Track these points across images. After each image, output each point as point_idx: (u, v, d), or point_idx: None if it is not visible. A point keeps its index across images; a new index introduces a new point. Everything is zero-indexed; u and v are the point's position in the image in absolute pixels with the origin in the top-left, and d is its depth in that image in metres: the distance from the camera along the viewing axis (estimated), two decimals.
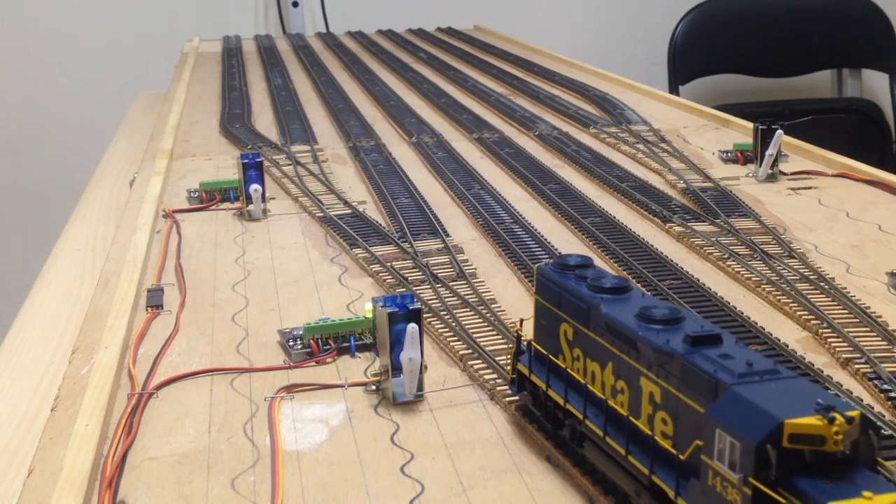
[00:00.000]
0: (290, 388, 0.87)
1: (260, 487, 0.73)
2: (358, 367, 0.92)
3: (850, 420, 0.53)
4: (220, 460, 0.77)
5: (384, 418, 0.83)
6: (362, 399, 0.86)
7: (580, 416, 0.71)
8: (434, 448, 0.78)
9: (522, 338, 0.80)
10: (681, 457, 0.59)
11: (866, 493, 0.51)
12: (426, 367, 0.85)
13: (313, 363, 0.93)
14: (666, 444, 0.61)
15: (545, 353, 0.76)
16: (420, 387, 0.84)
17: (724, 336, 0.62)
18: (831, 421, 0.52)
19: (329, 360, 0.93)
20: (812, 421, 0.52)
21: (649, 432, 0.63)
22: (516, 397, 0.82)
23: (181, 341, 0.98)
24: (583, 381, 0.71)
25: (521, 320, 0.82)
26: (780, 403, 0.53)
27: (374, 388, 0.87)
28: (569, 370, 0.73)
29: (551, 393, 0.75)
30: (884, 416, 0.79)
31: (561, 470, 0.74)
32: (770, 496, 0.52)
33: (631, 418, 0.65)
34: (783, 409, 0.53)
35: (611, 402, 0.68)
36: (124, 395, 0.87)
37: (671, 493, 0.61)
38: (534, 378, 0.78)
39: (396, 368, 0.83)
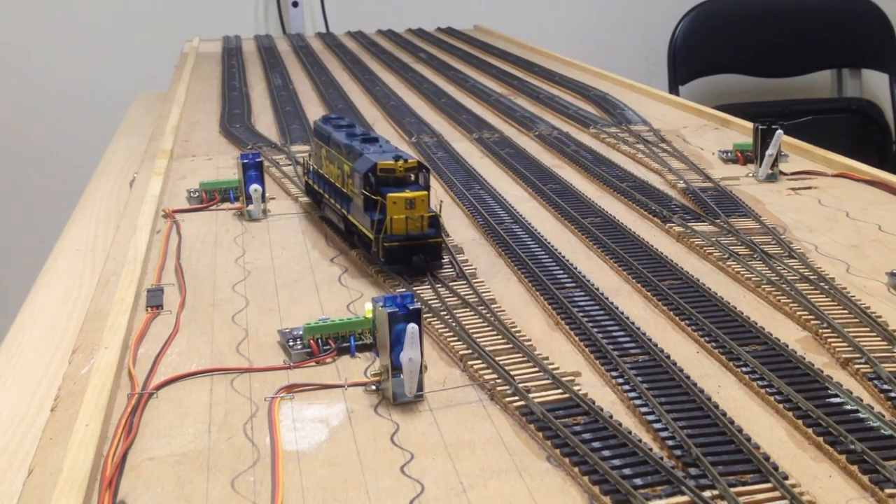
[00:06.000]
0: (290, 389, 0.87)
1: (260, 487, 0.73)
2: (358, 367, 0.92)
3: (407, 161, 1.09)
4: (220, 460, 0.77)
5: (384, 418, 0.83)
6: (362, 399, 0.86)
7: (323, 194, 1.28)
8: (434, 448, 0.78)
9: (307, 164, 1.38)
10: (348, 193, 1.18)
11: (407, 190, 1.08)
12: (426, 367, 0.85)
13: (313, 363, 0.93)
14: (351, 194, 1.16)
15: (314, 167, 1.34)
16: (420, 387, 0.84)
17: (381, 139, 1.19)
18: (396, 161, 1.09)
19: (329, 360, 0.93)
20: (389, 162, 1.09)
21: (340, 186, 1.20)
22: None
23: (181, 341, 0.98)
24: (325, 175, 1.27)
25: (309, 154, 1.42)
26: (380, 157, 1.10)
27: (374, 388, 0.87)
28: (319, 171, 1.31)
29: (315, 188, 1.32)
30: (884, 416, 0.79)
31: (561, 470, 0.74)
32: (370, 197, 1.09)
33: (337, 185, 1.22)
34: (379, 158, 1.10)
35: (332, 181, 1.24)
36: (124, 395, 0.87)
37: (347, 214, 1.18)
38: (310, 182, 1.36)
39: (396, 368, 0.83)
